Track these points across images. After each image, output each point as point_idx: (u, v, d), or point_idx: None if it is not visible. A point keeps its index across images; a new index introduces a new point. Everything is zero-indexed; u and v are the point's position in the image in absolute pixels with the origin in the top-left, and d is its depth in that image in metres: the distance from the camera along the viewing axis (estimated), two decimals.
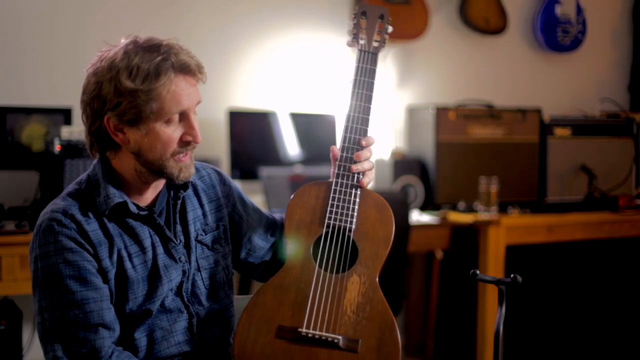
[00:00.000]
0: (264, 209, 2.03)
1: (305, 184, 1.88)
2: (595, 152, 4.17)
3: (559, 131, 4.13)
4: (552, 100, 4.66)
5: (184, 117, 1.68)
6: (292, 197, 1.86)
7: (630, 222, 4.08)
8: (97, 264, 1.66)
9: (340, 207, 1.80)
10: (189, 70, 1.66)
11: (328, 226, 1.79)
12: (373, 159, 1.89)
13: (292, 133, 3.93)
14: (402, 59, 4.36)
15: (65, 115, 3.49)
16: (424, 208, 3.97)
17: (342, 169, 1.83)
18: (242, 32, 4.01)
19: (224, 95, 3.90)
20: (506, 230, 3.80)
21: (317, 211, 1.81)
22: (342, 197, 1.81)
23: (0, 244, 2.99)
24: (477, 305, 3.83)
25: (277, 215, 2.01)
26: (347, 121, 1.86)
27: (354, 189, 1.82)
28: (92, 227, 1.67)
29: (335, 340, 1.70)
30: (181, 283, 1.76)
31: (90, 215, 1.68)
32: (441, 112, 4.02)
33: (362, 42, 1.90)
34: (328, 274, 1.76)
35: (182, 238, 1.79)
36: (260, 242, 1.94)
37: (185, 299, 1.77)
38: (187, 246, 1.79)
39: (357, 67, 1.89)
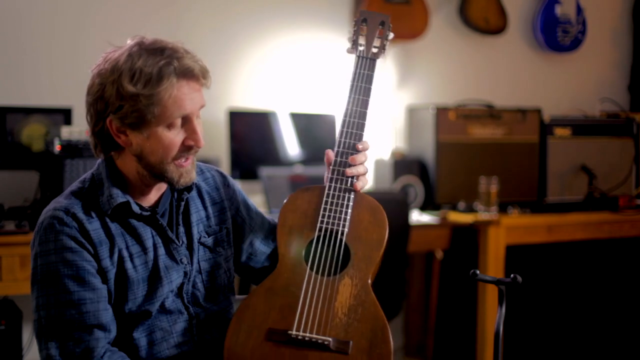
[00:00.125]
0: (263, 209, 2.03)
1: (298, 189, 1.88)
2: (595, 152, 4.17)
3: (559, 131, 4.13)
4: (552, 100, 4.66)
5: (186, 121, 1.67)
6: (284, 202, 1.86)
7: (630, 222, 4.08)
8: (96, 263, 1.66)
9: (333, 211, 1.80)
10: (193, 75, 1.65)
11: (320, 230, 1.79)
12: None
13: (292, 133, 3.93)
14: (402, 59, 4.36)
15: (65, 115, 3.49)
16: (424, 208, 3.97)
17: (336, 173, 1.82)
18: (242, 32, 4.01)
19: (224, 95, 3.90)
20: (506, 230, 3.80)
21: (309, 215, 1.81)
22: (335, 200, 1.80)
23: (0, 244, 2.99)
24: (477, 305, 3.83)
25: None
26: (343, 126, 1.86)
27: (347, 193, 1.81)
28: (93, 226, 1.67)
29: (326, 342, 1.69)
30: (182, 284, 1.76)
31: (93, 214, 1.68)
32: (441, 112, 4.02)
33: (361, 48, 1.90)
34: (319, 276, 1.76)
35: (184, 239, 1.79)
36: (261, 247, 1.94)
37: (186, 301, 1.77)
38: (190, 248, 1.79)
39: (354, 73, 1.90)
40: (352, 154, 1.83)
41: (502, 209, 3.88)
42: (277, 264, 1.82)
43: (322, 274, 1.76)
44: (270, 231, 1.96)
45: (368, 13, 1.93)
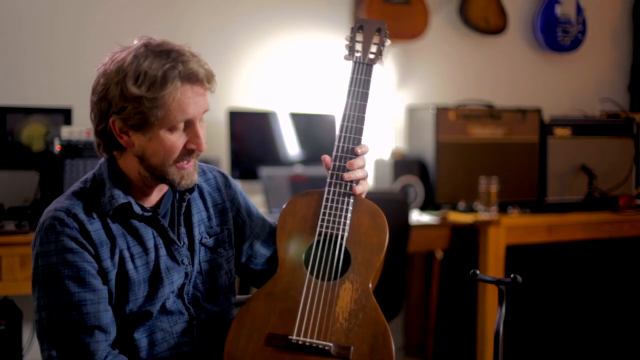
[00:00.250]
0: (263, 209, 2.03)
1: (297, 193, 1.88)
2: (595, 152, 4.17)
3: (559, 131, 4.13)
4: (552, 100, 4.66)
5: (189, 125, 1.67)
6: (284, 206, 1.85)
7: (630, 222, 4.08)
8: (97, 264, 1.66)
9: (332, 215, 1.79)
10: (197, 79, 1.64)
11: (320, 234, 1.78)
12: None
13: (292, 133, 3.93)
14: (402, 59, 4.36)
15: (65, 115, 3.49)
16: (424, 208, 3.97)
17: (334, 177, 1.82)
18: (242, 32, 4.01)
19: (224, 95, 3.90)
20: (506, 230, 3.80)
21: (309, 220, 1.81)
22: (334, 205, 1.80)
23: (0, 244, 2.99)
24: (477, 305, 3.83)
25: None
26: (341, 130, 1.86)
27: (346, 197, 1.81)
28: (94, 227, 1.67)
29: (327, 348, 1.68)
30: (182, 285, 1.76)
31: (94, 215, 1.68)
32: (441, 112, 4.02)
33: (357, 54, 1.91)
34: (320, 281, 1.75)
35: (185, 240, 1.79)
36: (261, 250, 1.94)
37: (186, 301, 1.77)
38: (191, 249, 1.79)
39: (351, 78, 1.90)
40: (350, 158, 1.83)
41: (502, 209, 3.88)
42: (277, 268, 1.82)
43: (323, 279, 1.75)
44: (271, 233, 1.95)
45: (364, 20, 1.95)
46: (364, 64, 1.91)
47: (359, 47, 1.92)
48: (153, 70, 1.61)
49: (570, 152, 4.13)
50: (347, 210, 1.80)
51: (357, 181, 1.83)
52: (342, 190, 1.81)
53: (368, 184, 1.87)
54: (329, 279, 1.75)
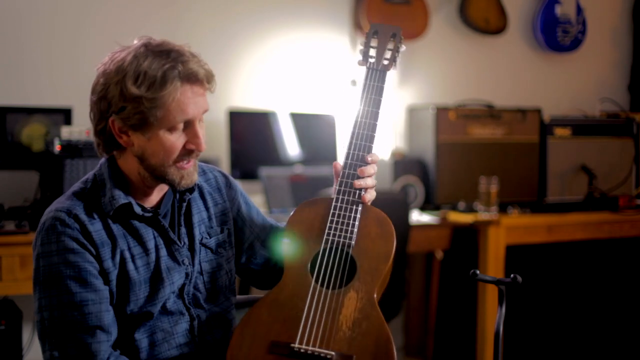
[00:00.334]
0: (263, 209, 2.02)
1: (305, 201, 1.87)
2: (595, 152, 4.18)
3: (559, 131, 4.13)
4: (552, 100, 4.66)
5: (188, 125, 1.66)
6: (292, 213, 1.85)
7: (630, 222, 4.08)
8: (98, 265, 1.66)
9: (340, 223, 1.78)
10: (197, 79, 1.64)
11: (327, 242, 1.77)
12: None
13: (292, 133, 3.93)
14: (402, 59, 4.32)
15: (65, 115, 3.49)
16: (424, 208, 3.97)
17: (343, 185, 1.81)
18: (242, 32, 4.01)
19: (224, 95, 3.90)
20: (506, 230, 3.80)
21: (316, 227, 1.80)
22: (342, 213, 1.79)
23: (0, 244, 2.99)
24: (477, 305, 3.83)
25: (282, 225, 1.99)
26: (352, 138, 1.85)
27: (354, 205, 1.79)
28: (95, 227, 1.67)
29: (329, 356, 1.66)
30: (183, 285, 1.76)
31: (95, 215, 1.68)
32: (441, 112, 4.02)
33: (371, 60, 1.90)
34: (324, 289, 1.73)
35: (186, 240, 1.78)
36: (261, 250, 1.94)
37: (187, 302, 1.77)
38: (192, 249, 1.79)
39: (364, 85, 1.89)
40: (360, 166, 1.82)
41: (502, 209, 3.88)
42: (277, 269, 1.81)
43: (328, 287, 1.74)
44: (271, 234, 1.95)
45: (379, 25, 1.94)
46: (378, 71, 1.90)
47: (373, 52, 1.91)
48: (153, 70, 1.60)
49: (570, 152, 4.13)
50: (355, 218, 1.79)
51: (366, 189, 1.82)
52: (351, 199, 1.80)
53: (374, 193, 1.86)
54: (334, 288, 1.74)
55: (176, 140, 1.66)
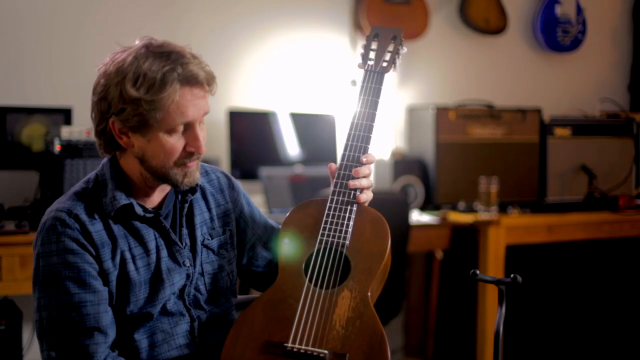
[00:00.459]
0: (263, 209, 2.02)
1: (300, 203, 1.87)
2: (595, 152, 4.18)
3: (559, 131, 4.13)
4: (552, 100, 4.66)
5: (188, 128, 1.66)
6: (287, 214, 1.85)
7: (630, 222, 4.08)
8: (98, 266, 1.66)
9: (334, 224, 1.78)
10: (197, 82, 1.64)
11: (321, 242, 1.77)
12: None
13: (292, 133, 3.93)
14: (402, 59, 4.33)
15: (65, 115, 3.49)
16: (424, 208, 3.97)
17: (338, 186, 1.82)
18: (242, 32, 4.01)
19: (224, 95, 3.90)
20: (506, 230, 3.80)
21: (310, 229, 1.80)
22: (337, 213, 1.79)
23: (0, 244, 2.99)
24: (477, 305, 3.83)
25: None
26: (348, 139, 1.85)
27: (349, 206, 1.80)
28: (96, 227, 1.66)
29: (322, 355, 1.66)
30: (184, 287, 1.76)
31: (96, 215, 1.68)
32: (441, 112, 4.02)
33: (370, 62, 1.91)
34: (318, 289, 1.74)
35: (187, 241, 1.78)
36: (263, 252, 1.94)
37: (187, 303, 1.77)
38: (193, 250, 1.78)
39: (362, 86, 1.90)
40: (356, 166, 1.82)
41: (502, 209, 3.88)
42: (277, 273, 1.82)
43: (322, 287, 1.74)
44: (273, 236, 1.95)
45: (380, 28, 1.95)
46: (376, 72, 1.90)
47: (372, 55, 1.92)
48: (152, 72, 1.60)
49: (570, 152, 4.13)
50: (349, 218, 1.79)
51: (362, 190, 1.82)
52: (346, 199, 1.80)
53: (371, 194, 1.86)
54: (327, 287, 1.74)
55: (176, 142, 1.66)
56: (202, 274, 1.79)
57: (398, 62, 1.94)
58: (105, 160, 1.75)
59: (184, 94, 1.62)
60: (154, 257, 1.72)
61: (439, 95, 4.41)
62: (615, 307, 4.19)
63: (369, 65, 1.91)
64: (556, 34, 4.64)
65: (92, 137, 1.75)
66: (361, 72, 1.93)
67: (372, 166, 1.87)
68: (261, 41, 4.05)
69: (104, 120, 1.66)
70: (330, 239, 1.78)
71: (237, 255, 1.91)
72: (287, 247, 1.80)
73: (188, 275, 1.76)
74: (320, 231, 1.78)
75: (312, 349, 1.68)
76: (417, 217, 3.80)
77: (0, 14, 3.57)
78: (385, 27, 1.95)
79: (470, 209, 3.87)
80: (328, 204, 1.80)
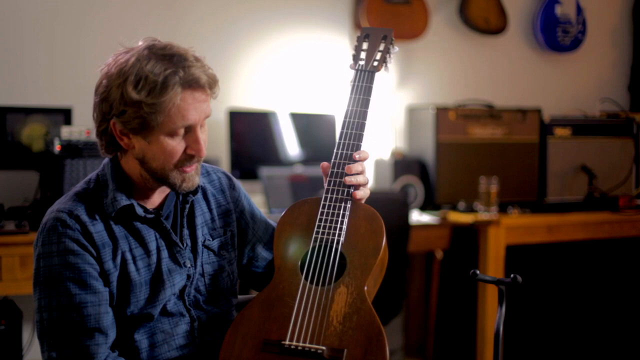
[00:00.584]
0: (263, 209, 2.02)
1: (295, 202, 1.88)
2: (595, 152, 4.18)
3: (559, 131, 4.13)
4: (552, 100, 4.66)
5: (189, 130, 1.66)
6: (282, 214, 1.86)
7: (630, 222, 4.08)
8: (99, 266, 1.66)
9: (328, 221, 1.79)
10: (199, 85, 1.63)
11: (316, 240, 1.78)
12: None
13: (292, 133, 3.93)
14: (402, 59, 4.36)
15: (65, 115, 3.49)
16: (424, 208, 3.97)
17: (332, 184, 1.82)
18: (242, 32, 4.01)
19: (224, 95, 3.89)
20: (506, 230, 3.80)
21: (305, 227, 1.81)
22: (331, 211, 1.80)
23: (0, 244, 2.99)
24: (477, 305, 3.83)
25: None
26: (340, 137, 1.86)
27: (343, 203, 1.80)
28: (97, 228, 1.66)
29: (319, 351, 1.66)
30: (184, 287, 1.76)
31: (97, 216, 1.68)
32: (441, 112, 4.02)
33: (361, 62, 1.93)
34: (315, 286, 1.74)
35: (188, 242, 1.78)
36: (263, 253, 1.94)
37: (187, 303, 1.77)
38: (194, 250, 1.78)
39: (352, 85, 1.91)
40: (348, 163, 1.83)
41: (502, 209, 3.88)
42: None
43: (318, 284, 1.75)
44: (273, 237, 1.94)
45: (370, 29, 1.97)
46: (366, 71, 1.91)
47: (363, 55, 1.93)
48: (154, 75, 1.59)
49: (570, 152, 4.13)
50: (344, 215, 1.79)
51: (358, 186, 1.83)
52: (340, 197, 1.81)
53: (368, 191, 1.86)
54: (323, 284, 1.75)
55: (177, 145, 1.65)
56: (202, 275, 1.79)
57: (390, 61, 1.95)
58: (106, 160, 1.74)
59: (185, 97, 1.62)
60: (154, 257, 1.72)
61: (439, 95, 4.41)
62: (616, 307, 4.20)
63: (359, 65, 1.93)
64: (556, 34, 4.64)
65: (92, 137, 1.75)
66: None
67: (366, 163, 1.87)
68: (261, 41, 4.05)
69: (105, 121, 1.66)
70: (325, 236, 1.78)
71: (238, 256, 1.91)
72: (282, 246, 1.81)
73: (188, 276, 1.76)
74: (315, 229, 1.79)
75: (310, 345, 1.68)
76: (417, 217, 3.80)
77: (0, 14, 3.57)
78: (376, 28, 1.98)
79: (470, 209, 3.87)
80: (322, 202, 1.81)
